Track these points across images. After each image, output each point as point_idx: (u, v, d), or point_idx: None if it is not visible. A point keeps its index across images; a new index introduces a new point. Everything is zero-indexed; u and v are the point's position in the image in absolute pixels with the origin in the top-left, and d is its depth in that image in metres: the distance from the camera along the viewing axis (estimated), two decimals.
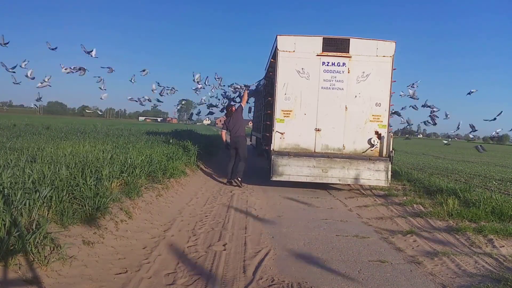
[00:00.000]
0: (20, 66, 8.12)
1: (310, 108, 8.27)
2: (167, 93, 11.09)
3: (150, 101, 10.98)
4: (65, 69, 8.40)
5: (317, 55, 8.23)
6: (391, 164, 8.34)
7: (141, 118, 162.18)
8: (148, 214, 5.65)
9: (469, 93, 9.41)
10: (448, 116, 9.05)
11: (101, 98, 9.19)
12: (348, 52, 8.22)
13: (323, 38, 8.26)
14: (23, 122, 26.18)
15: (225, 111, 9.70)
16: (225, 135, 9.76)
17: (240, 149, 9.11)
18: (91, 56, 8.12)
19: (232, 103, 10.90)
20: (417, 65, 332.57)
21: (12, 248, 3.14)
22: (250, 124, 10.16)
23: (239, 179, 8.92)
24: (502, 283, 3.74)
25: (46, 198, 4.09)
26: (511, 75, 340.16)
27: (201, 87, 11.15)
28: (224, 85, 11.87)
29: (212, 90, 11.73)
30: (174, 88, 11.11)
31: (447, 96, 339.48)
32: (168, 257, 4.10)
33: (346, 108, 8.27)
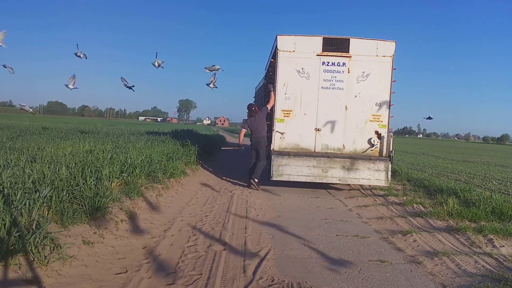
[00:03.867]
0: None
1: (310, 108, 8.26)
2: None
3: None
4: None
5: (317, 55, 8.22)
6: (391, 164, 8.34)
7: (141, 118, 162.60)
8: (148, 214, 5.65)
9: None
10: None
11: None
12: (348, 52, 8.21)
13: (323, 38, 8.25)
14: (23, 122, 26.18)
15: (247, 110, 9.32)
16: (243, 135, 9.28)
17: (261, 150, 8.82)
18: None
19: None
20: (418, 66, 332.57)
21: (12, 248, 3.15)
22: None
23: (256, 180, 8.61)
24: (502, 283, 3.74)
25: (46, 198, 4.09)
26: (510, 75, 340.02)
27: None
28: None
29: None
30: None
31: (448, 96, 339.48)
32: (168, 257, 4.10)
33: (346, 108, 8.26)
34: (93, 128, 22.68)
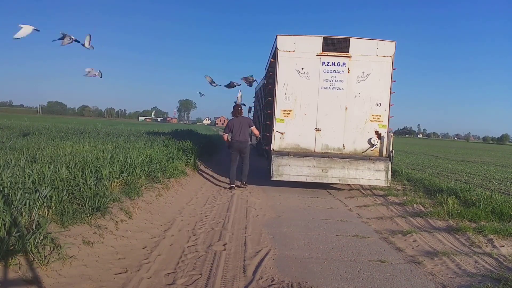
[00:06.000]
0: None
1: (310, 108, 8.26)
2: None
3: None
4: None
5: (317, 55, 8.22)
6: (391, 164, 8.34)
7: (141, 118, 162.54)
8: (148, 214, 5.65)
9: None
10: None
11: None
12: (348, 52, 8.21)
13: (323, 38, 8.25)
14: (23, 122, 26.19)
15: (232, 109, 9.12)
16: (227, 139, 9.11)
17: (246, 153, 8.89)
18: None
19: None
20: (418, 66, 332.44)
21: (12, 248, 3.14)
22: None
23: (245, 182, 8.86)
24: (502, 283, 3.74)
25: (46, 198, 4.09)
26: (510, 75, 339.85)
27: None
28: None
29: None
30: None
31: (448, 96, 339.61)
32: (168, 257, 4.10)
33: (346, 108, 8.26)
34: (93, 128, 22.68)
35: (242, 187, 8.81)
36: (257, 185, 9.12)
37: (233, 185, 8.68)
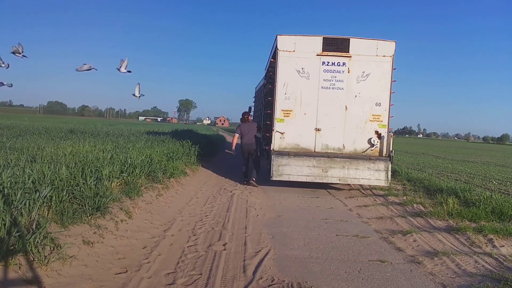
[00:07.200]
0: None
1: (310, 108, 8.26)
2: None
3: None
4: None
5: (317, 55, 8.22)
6: (391, 163, 8.34)
7: (141, 118, 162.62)
8: (148, 214, 5.66)
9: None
10: None
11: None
12: (348, 52, 8.21)
13: (323, 38, 8.25)
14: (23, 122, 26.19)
15: (241, 116, 9.83)
16: (236, 140, 9.78)
17: (254, 155, 9.41)
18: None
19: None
20: (418, 65, 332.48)
21: (12, 248, 3.15)
22: None
23: (254, 179, 9.17)
24: (502, 283, 3.74)
25: (46, 198, 4.09)
26: (510, 74, 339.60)
27: None
28: None
29: None
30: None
31: (448, 96, 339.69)
32: (168, 257, 4.10)
33: (346, 108, 8.26)
34: (93, 128, 22.66)
35: (252, 183, 9.10)
36: (257, 184, 9.11)
37: (247, 180, 9.27)
